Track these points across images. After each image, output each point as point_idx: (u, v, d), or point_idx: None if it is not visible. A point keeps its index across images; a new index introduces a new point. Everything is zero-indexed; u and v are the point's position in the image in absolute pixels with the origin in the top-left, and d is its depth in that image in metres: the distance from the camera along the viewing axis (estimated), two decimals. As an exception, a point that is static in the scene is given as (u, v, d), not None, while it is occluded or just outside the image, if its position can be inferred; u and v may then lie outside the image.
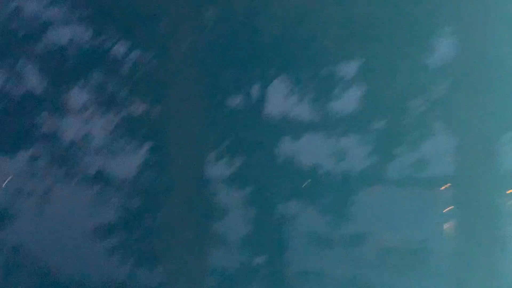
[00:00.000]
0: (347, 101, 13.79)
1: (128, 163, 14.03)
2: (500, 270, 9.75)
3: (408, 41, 10.57)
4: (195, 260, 10.58)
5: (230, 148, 13.51)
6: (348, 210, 14.26)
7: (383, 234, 16.37)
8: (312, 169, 14.50)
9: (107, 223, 14.33)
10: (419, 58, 11.59)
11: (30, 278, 12.19)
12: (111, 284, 13.21)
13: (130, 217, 13.95)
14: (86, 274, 13.27)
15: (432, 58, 11.77)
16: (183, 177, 10.93)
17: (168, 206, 11.03)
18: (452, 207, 9.78)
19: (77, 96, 13.53)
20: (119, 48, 12.90)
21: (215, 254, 12.85)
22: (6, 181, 15.01)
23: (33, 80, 12.84)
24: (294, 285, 14.43)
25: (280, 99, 14.39)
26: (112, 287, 13.19)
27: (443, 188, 13.45)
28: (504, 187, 10.44)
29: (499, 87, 9.70)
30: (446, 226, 13.49)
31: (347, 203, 14.27)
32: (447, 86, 11.79)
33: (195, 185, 10.97)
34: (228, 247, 13.87)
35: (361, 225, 14.75)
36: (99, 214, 14.39)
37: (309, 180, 14.02)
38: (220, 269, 13.57)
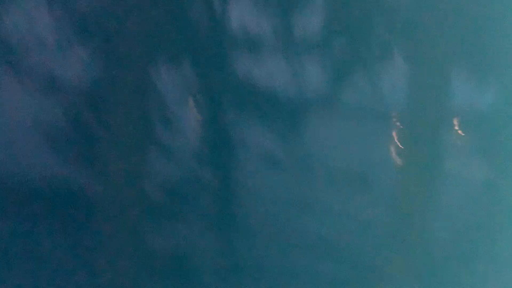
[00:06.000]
0: (310, 17, 13.04)
1: (75, 63, 13.20)
2: (439, 203, 9.89)
3: None
4: (135, 165, 10.26)
5: (182, 53, 12.81)
6: (300, 134, 14.07)
7: (331, 158, 16.42)
8: (267, 89, 14.04)
9: (54, 126, 13.79)
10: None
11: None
12: (52, 181, 12.89)
13: (74, 119, 13.38)
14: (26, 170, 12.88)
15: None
16: (129, 84, 10.34)
17: (113, 109, 10.50)
18: (397, 141, 9.70)
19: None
20: None
21: (160, 163, 12.55)
22: None
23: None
24: (241, 202, 14.46)
25: (242, 9, 13.52)
26: (52, 184, 12.87)
27: (394, 120, 13.34)
28: (451, 124, 10.32)
29: (468, 17, 9.25)
30: (392, 158, 13.53)
31: (299, 127, 14.04)
32: (413, 13, 11.19)
33: (142, 94, 10.42)
34: (174, 158, 13.60)
35: (310, 150, 14.64)
36: (47, 118, 13.79)
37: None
38: (164, 177, 13.36)
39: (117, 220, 9.69)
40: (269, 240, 14.69)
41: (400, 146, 10.05)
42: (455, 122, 10.79)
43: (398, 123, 11.02)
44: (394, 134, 12.32)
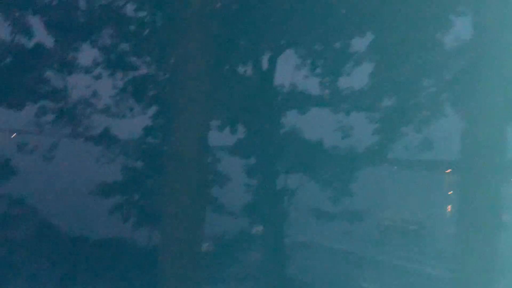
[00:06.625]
0: (357, 77, 13.32)
1: (133, 125, 13.84)
2: (497, 255, 9.52)
3: (424, 16, 10.01)
4: (193, 224, 10.44)
5: (236, 116, 13.20)
6: (350, 187, 14.00)
7: (383, 212, 16.13)
8: (316, 143, 14.18)
9: (111, 182, 14.27)
10: (435, 35, 11.03)
11: (30, 231, 12.13)
12: (112, 241, 13.19)
13: (133, 178, 13.83)
14: (88, 230, 13.25)
15: (448, 36, 11.22)
16: (185, 142, 10.67)
17: (170, 169, 10.83)
18: (451, 192, 9.46)
19: (86, 53, 13.25)
20: (130, 7, 12.49)
21: (214, 220, 12.73)
22: (13, 136, 14.92)
23: (42, 34, 12.50)
24: (291, 255, 14.33)
25: (290, 71, 13.98)
26: (112, 244, 13.16)
27: (447, 171, 13.06)
28: (507, 176, 10.08)
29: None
30: (446, 209, 13.20)
31: (349, 180, 13.99)
32: (461, 68, 11.28)
33: (197, 151, 10.70)
34: (227, 214, 13.74)
35: (362, 202, 14.49)
36: (103, 173, 14.33)
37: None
38: (218, 234, 13.48)
39: (171, 267, 9.86)
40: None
41: (455, 197, 9.82)
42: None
43: (451, 174, 10.82)
44: (448, 185, 12.08)
